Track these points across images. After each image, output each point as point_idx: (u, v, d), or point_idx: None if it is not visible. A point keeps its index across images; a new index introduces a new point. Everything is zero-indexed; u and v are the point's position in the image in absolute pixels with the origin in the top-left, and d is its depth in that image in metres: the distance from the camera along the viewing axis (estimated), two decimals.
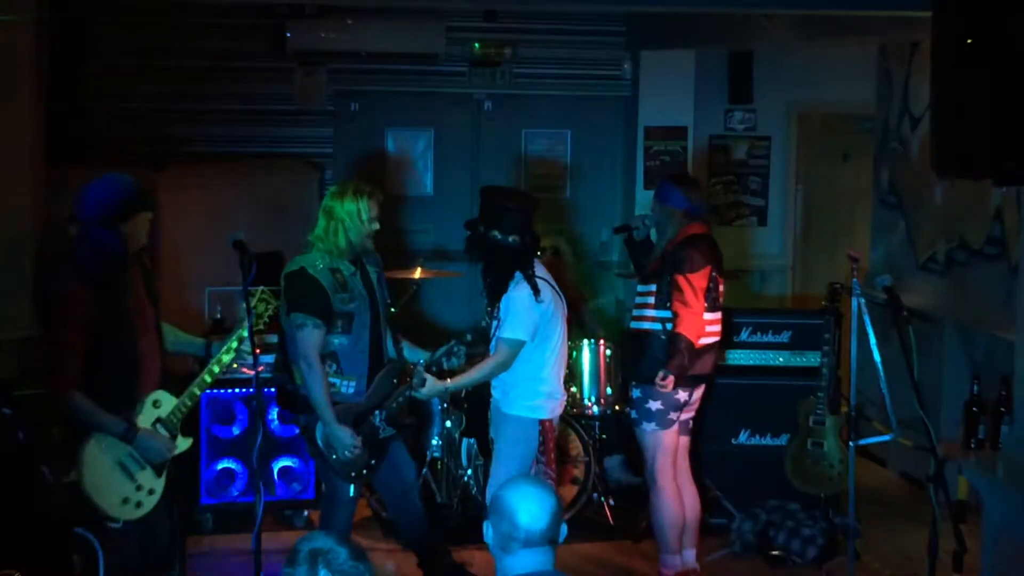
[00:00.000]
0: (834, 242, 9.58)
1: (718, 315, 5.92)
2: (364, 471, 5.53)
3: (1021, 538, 5.21)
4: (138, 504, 4.88)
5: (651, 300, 5.85)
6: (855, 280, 5.60)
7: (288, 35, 8.66)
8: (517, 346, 5.53)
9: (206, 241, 7.36)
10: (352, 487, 5.51)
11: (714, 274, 5.83)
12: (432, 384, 5.54)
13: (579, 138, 9.56)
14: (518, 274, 5.56)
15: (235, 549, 6.25)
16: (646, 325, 5.86)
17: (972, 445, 5.80)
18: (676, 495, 5.90)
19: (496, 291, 5.60)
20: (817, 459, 6.35)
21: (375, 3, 8.50)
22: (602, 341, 7.14)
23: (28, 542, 5.16)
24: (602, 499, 6.94)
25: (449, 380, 5.70)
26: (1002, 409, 5.75)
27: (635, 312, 5.99)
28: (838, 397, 6.34)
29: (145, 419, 4.89)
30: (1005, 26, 4.43)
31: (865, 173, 9.32)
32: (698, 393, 5.95)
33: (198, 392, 5.00)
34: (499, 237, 5.54)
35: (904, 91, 8.30)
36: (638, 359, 5.89)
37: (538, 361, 5.60)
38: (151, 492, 4.91)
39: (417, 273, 7.32)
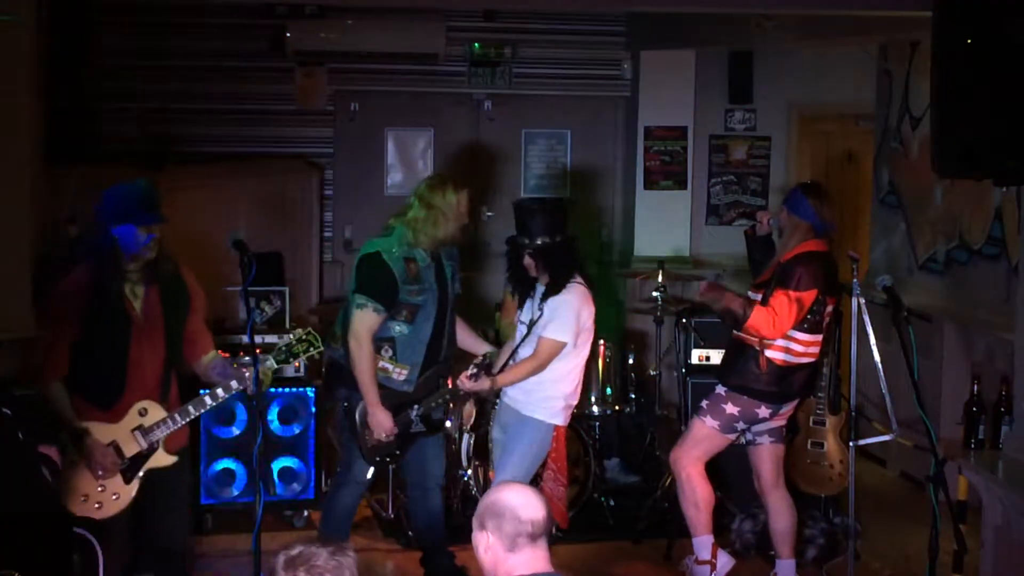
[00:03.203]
0: (834, 242, 9.57)
1: (818, 337, 5.76)
2: (388, 459, 5.60)
3: (1021, 538, 5.21)
4: (98, 505, 4.89)
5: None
6: (855, 280, 5.60)
7: (288, 35, 8.66)
8: (559, 348, 5.59)
9: (205, 242, 7.36)
10: (372, 471, 5.59)
11: (822, 297, 5.68)
12: (480, 380, 5.60)
13: (579, 138, 9.56)
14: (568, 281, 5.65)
15: (235, 549, 6.24)
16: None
17: (972, 445, 5.80)
18: (702, 480, 5.89)
19: (555, 291, 5.63)
20: (817, 459, 6.35)
21: (375, 3, 8.50)
22: (602, 342, 7.14)
23: (28, 542, 5.16)
24: (602, 499, 6.94)
25: (497, 377, 5.67)
26: (1002, 409, 5.76)
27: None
28: (838, 397, 6.34)
29: (126, 425, 4.89)
30: (1005, 27, 4.43)
31: (865, 173, 9.32)
32: (786, 408, 5.88)
33: (193, 411, 4.95)
34: (524, 243, 5.63)
35: (904, 91, 8.31)
36: (732, 364, 5.84)
37: (569, 367, 5.67)
38: (115, 496, 4.90)
39: None
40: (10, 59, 6.93)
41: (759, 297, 5.75)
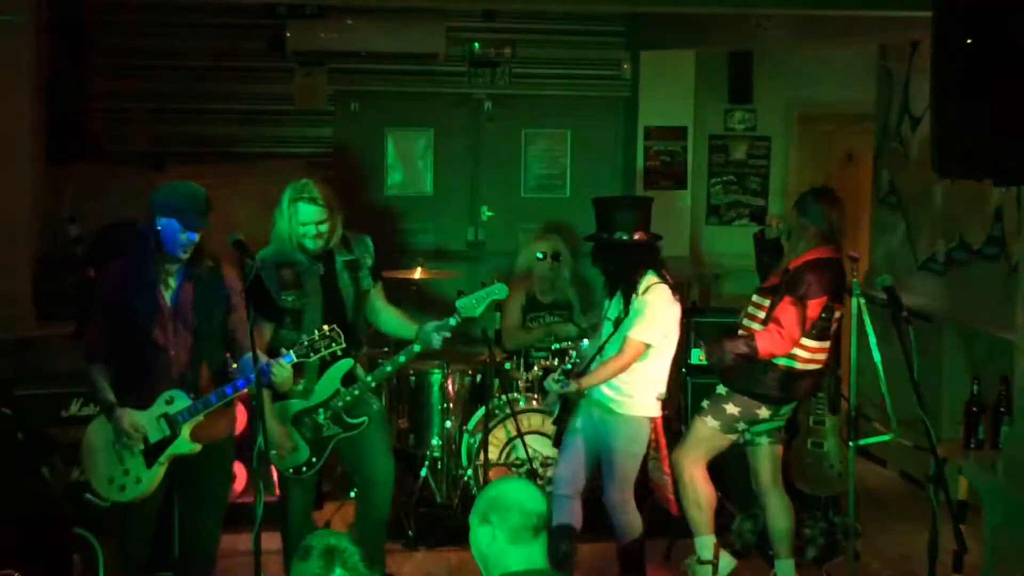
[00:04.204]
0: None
1: (826, 344, 5.77)
2: (304, 468, 5.48)
3: (1021, 538, 5.21)
4: (122, 488, 4.96)
5: (762, 315, 5.74)
6: (855, 280, 5.60)
7: (288, 35, 8.67)
8: (643, 349, 5.63)
9: (206, 241, 7.37)
10: (295, 485, 5.51)
11: (830, 304, 5.68)
12: (566, 383, 5.66)
13: (579, 138, 9.56)
14: (651, 274, 5.65)
15: (235, 549, 6.24)
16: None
17: (972, 445, 5.80)
18: (705, 482, 5.91)
19: (628, 291, 5.66)
20: (817, 459, 6.35)
21: (375, 3, 8.50)
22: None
23: (28, 542, 5.16)
24: (602, 499, 6.93)
25: (582, 380, 5.70)
26: (1002, 409, 5.76)
27: (744, 322, 5.85)
28: (838, 397, 6.34)
29: (153, 412, 4.96)
30: (1005, 26, 4.43)
31: (865, 173, 9.32)
32: (785, 410, 5.90)
33: (215, 401, 5.01)
34: (625, 238, 5.67)
35: (904, 91, 8.31)
36: (737, 367, 5.80)
37: (660, 364, 5.71)
38: (138, 481, 4.96)
39: (417, 273, 7.31)
40: (10, 59, 6.96)
41: (767, 302, 5.75)
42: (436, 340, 5.47)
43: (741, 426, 5.85)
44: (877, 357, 5.52)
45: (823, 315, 5.67)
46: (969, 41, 4.56)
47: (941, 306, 7.70)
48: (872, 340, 5.51)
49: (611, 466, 5.77)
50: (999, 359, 6.71)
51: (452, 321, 5.50)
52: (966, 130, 4.65)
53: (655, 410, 5.76)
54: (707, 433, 5.88)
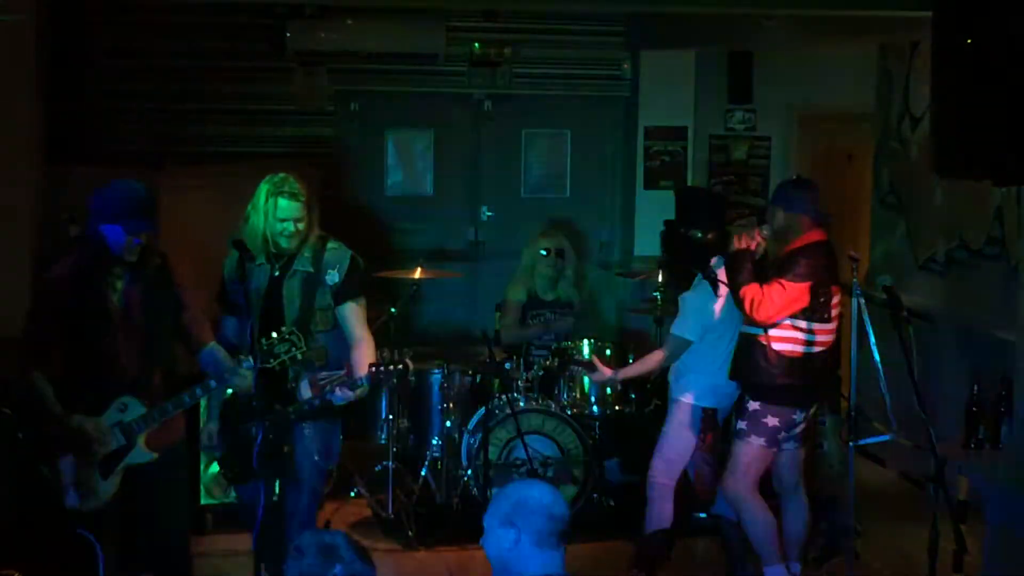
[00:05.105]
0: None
1: (831, 326, 5.73)
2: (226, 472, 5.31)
3: (1021, 538, 5.21)
4: (80, 498, 4.86)
5: None
6: (855, 280, 5.59)
7: (288, 35, 8.66)
8: (684, 344, 5.81)
9: (205, 242, 7.37)
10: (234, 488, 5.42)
11: (821, 287, 5.62)
12: (602, 372, 5.96)
13: (579, 138, 9.56)
14: (699, 273, 5.79)
15: (235, 549, 6.24)
16: (752, 329, 5.65)
17: (972, 445, 5.80)
18: (763, 504, 5.84)
19: (676, 284, 5.97)
20: (817, 459, 6.34)
21: (375, 3, 8.50)
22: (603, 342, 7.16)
23: (28, 542, 5.16)
24: (602, 499, 6.94)
25: (620, 371, 6.07)
26: (1002, 409, 5.75)
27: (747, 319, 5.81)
28: (838, 397, 6.33)
29: (106, 420, 4.85)
30: (1005, 26, 4.43)
31: (865, 173, 9.32)
32: (811, 410, 5.92)
33: (172, 409, 4.88)
34: (682, 231, 5.85)
35: (904, 91, 8.31)
36: (748, 370, 5.74)
37: (713, 355, 5.81)
38: (93, 492, 4.86)
39: (417, 273, 7.31)
40: (10, 59, 6.96)
41: None
42: (338, 398, 5.08)
43: (782, 435, 5.79)
44: (877, 357, 5.52)
45: (820, 299, 5.62)
46: (969, 41, 4.56)
47: (941, 306, 7.70)
48: (872, 340, 5.51)
49: (660, 448, 5.95)
50: (999, 359, 6.70)
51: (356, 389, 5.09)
52: (966, 130, 4.65)
53: (709, 400, 5.86)
54: (755, 453, 5.73)
